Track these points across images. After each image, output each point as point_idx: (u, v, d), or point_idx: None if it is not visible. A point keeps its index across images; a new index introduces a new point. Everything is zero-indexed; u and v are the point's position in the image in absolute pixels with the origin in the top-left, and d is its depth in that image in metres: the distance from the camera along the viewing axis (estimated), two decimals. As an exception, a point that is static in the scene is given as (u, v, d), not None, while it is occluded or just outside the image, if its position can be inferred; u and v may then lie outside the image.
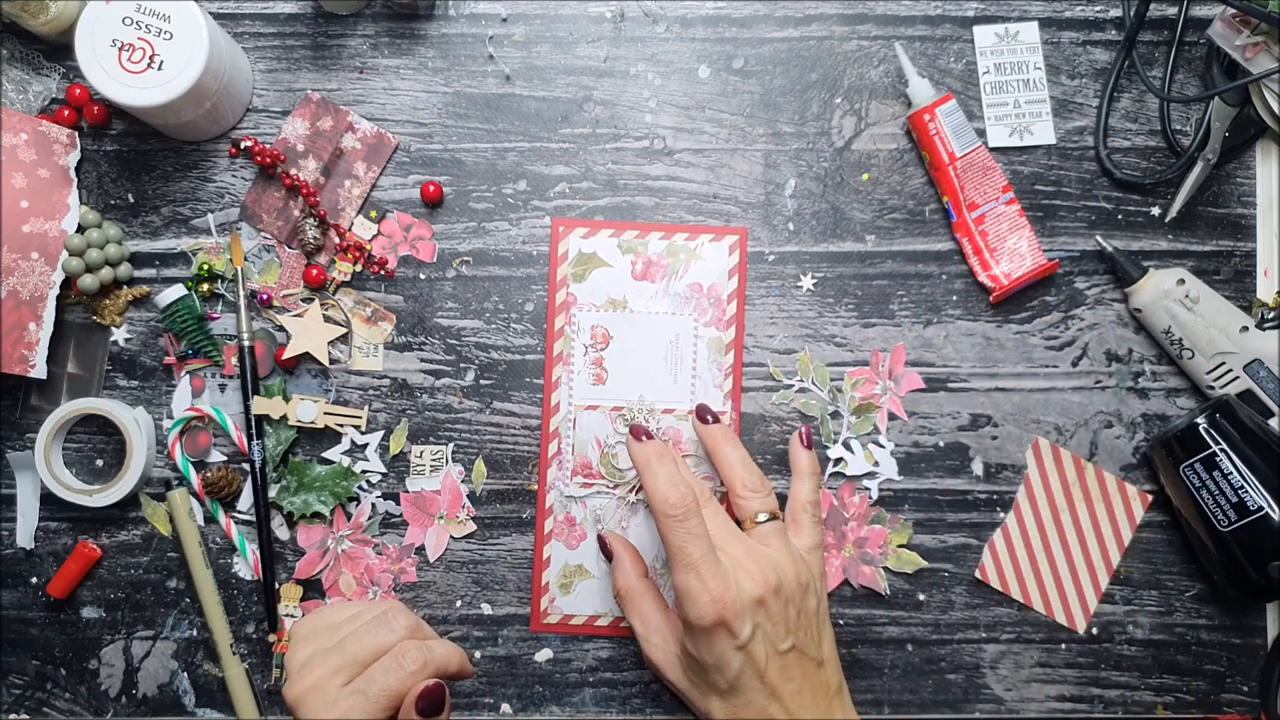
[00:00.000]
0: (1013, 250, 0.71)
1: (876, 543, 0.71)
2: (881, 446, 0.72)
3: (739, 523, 0.64)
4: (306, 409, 0.70)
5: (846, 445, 0.72)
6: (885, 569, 0.71)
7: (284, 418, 0.70)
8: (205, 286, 0.72)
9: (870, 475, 0.72)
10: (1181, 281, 0.69)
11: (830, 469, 0.72)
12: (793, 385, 0.72)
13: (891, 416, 0.72)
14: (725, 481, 0.65)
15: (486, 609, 0.72)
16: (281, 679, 0.71)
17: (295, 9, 0.73)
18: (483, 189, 0.73)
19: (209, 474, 0.70)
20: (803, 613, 0.60)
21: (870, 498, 0.72)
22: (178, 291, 0.71)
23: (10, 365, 0.68)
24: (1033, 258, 0.70)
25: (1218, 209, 0.73)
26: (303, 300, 0.72)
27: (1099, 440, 0.72)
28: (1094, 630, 0.71)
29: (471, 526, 0.72)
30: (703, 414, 0.67)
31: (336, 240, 0.72)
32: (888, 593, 0.71)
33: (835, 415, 0.72)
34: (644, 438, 0.63)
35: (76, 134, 0.71)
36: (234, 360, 0.71)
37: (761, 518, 0.63)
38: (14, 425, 0.72)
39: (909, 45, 0.73)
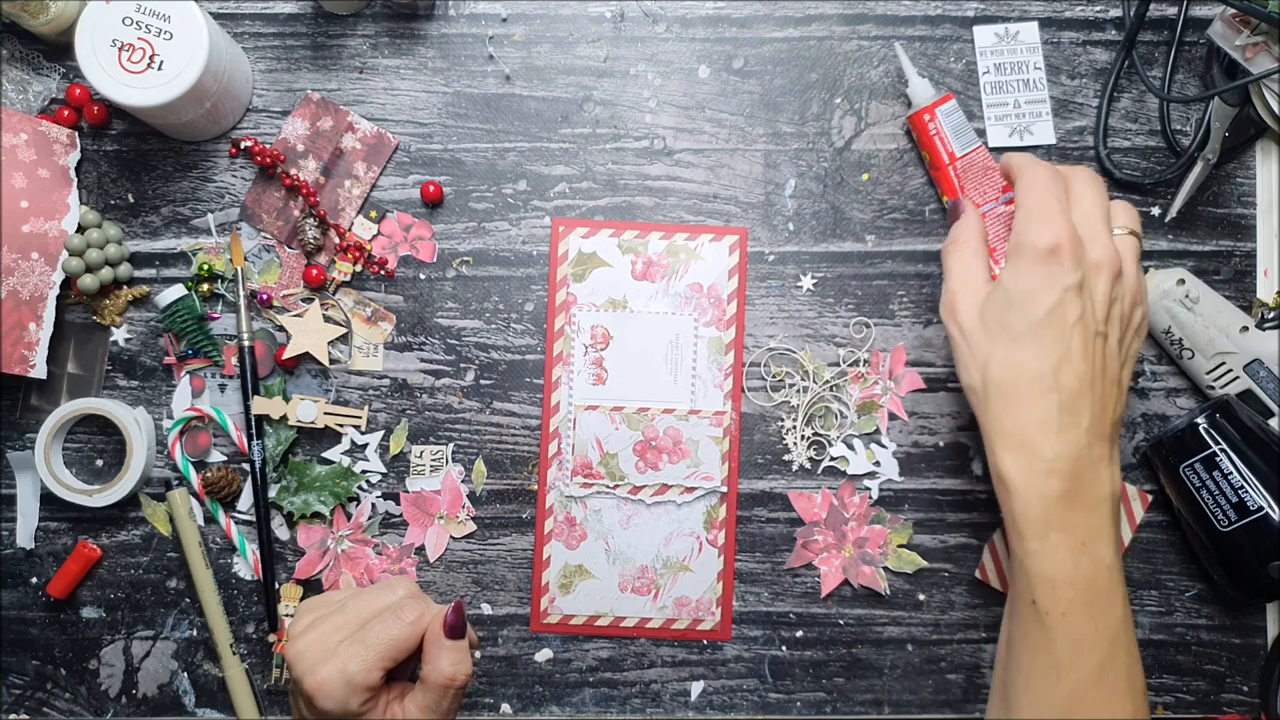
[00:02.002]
0: None
1: (877, 543, 0.71)
2: (884, 447, 0.72)
3: None
4: (306, 409, 0.70)
5: (848, 444, 0.72)
6: (885, 569, 0.71)
7: (284, 418, 0.70)
8: (205, 286, 0.72)
9: (871, 475, 0.72)
10: (1181, 281, 0.69)
11: (826, 461, 0.72)
12: (794, 385, 0.72)
13: (891, 416, 0.72)
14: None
15: (486, 609, 0.72)
16: (283, 679, 0.71)
17: (295, 9, 0.73)
18: (483, 189, 0.73)
19: (209, 474, 0.70)
20: (1123, 319, 0.58)
21: (870, 498, 0.72)
22: (178, 291, 0.71)
23: (10, 365, 0.68)
24: None
25: (1218, 209, 0.73)
26: (303, 300, 0.72)
27: (1099, 440, 0.72)
28: (1094, 630, 0.71)
29: (471, 526, 0.72)
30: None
31: (336, 240, 0.72)
32: (888, 592, 0.71)
33: (840, 415, 0.72)
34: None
35: (76, 134, 0.71)
36: (234, 360, 0.71)
37: (1119, 232, 0.59)
38: (14, 425, 0.72)
39: (909, 45, 0.73)
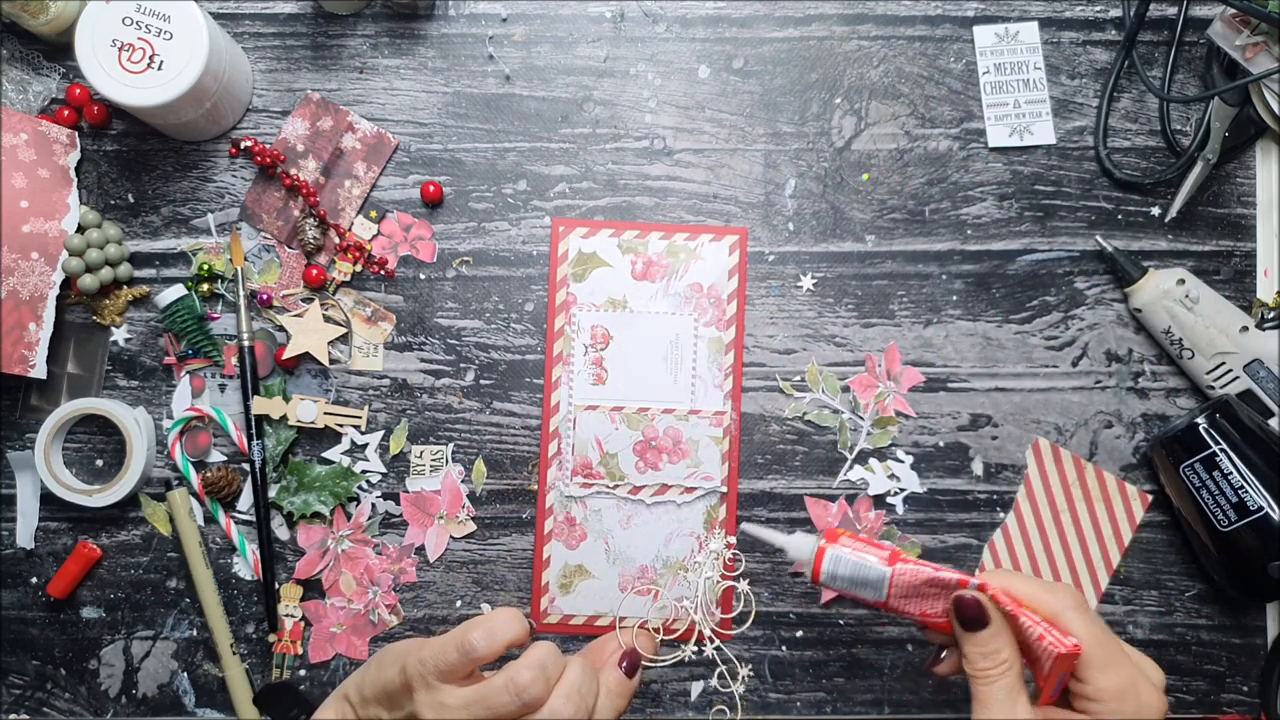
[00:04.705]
0: None
1: None
2: (900, 461, 0.72)
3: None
4: (306, 409, 0.70)
5: (863, 462, 0.71)
6: None
7: (284, 418, 0.70)
8: (205, 286, 0.72)
9: (892, 493, 0.71)
10: (1181, 281, 0.69)
11: (842, 474, 0.72)
12: (804, 398, 0.72)
13: (902, 415, 0.72)
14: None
15: (486, 609, 0.71)
16: (283, 679, 0.71)
17: (295, 9, 0.73)
18: (483, 189, 0.73)
19: (209, 474, 0.70)
20: None
21: (884, 516, 0.71)
22: (178, 291, 0.71)
23: (10, 365, 0.68)
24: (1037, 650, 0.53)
25: (1218, 209, 0.73)
26: (303, 300, 0.72)
27: (1099, 440, 0.72)
28: (1094, 630, 0.71)
29: (471, 526, 0.72)
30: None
31: (336, 240, 0.72)
32: (888, 600, 0.71)
33: (854, 429, 0.72)
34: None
35: (76, 134, 0.71)
36: (234, 360, 0.71)
37: None
38: (14, 425, 0.72)
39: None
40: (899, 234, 0.73)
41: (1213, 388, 0.70)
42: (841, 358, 0.72)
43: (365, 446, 0.72)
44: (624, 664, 0.57)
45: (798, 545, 0.57)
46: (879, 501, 0.72)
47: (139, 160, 0.72)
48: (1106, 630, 0.52)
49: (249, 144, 0.71)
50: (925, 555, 0.71)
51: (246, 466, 0.71)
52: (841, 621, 0.71)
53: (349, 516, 0.71)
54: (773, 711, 0.71)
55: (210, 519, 0.72)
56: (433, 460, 0.72)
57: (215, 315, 0.72)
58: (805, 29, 0.73)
